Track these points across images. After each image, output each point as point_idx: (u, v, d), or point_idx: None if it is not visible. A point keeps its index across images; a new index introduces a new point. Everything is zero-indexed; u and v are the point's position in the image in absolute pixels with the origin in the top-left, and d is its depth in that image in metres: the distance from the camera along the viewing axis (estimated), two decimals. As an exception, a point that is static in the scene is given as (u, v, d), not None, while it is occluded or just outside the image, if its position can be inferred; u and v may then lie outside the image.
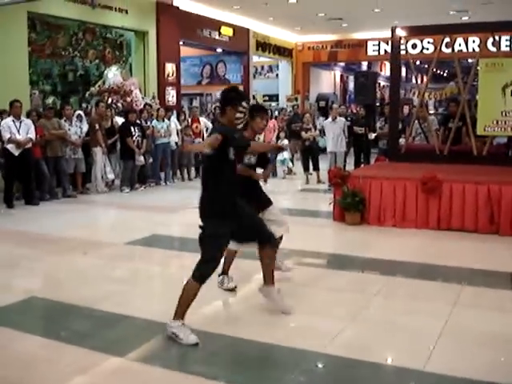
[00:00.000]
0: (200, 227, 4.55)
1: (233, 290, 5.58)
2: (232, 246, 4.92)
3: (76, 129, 11.51)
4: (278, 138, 14.98)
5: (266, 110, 5.73)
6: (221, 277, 5.61)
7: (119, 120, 12.64)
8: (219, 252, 4.56)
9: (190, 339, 4.26)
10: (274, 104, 23.18)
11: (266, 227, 4.84)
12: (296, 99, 23.00)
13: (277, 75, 24.66)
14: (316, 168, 13.42)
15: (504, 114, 9.34)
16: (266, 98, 23.99)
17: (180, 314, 4.40)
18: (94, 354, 4.13)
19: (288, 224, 5.88)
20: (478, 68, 9.72)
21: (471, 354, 4.11)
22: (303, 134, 13.48)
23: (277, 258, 5.58)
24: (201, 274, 4.45)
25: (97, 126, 11.77)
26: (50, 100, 14.51)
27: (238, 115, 4.45)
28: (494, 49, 12.44)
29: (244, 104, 4.48)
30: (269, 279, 4.93)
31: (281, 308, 4.91)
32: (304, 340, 4.33)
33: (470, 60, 19.92)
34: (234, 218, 4.50)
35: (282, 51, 23.38)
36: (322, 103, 23.68)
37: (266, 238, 4.79)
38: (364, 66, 27.69)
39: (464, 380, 3.71)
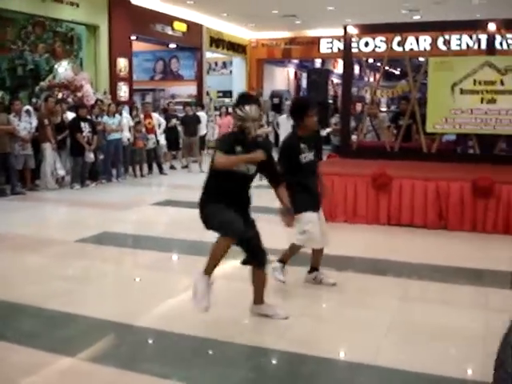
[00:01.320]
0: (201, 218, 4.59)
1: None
2: None
3: (25, 124, 11.26)
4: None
5: (311, 105, 5.52)
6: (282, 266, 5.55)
7: (70, 115, 12.43)
8: (228, 216, 4.38)
9: (203, 304, 4.26)
10: (227, 100, 23.12)
11: (264, 251, 4.76)
12: (250, 96, 23.00)
13: (230, 71, 24.62)
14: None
15: (453, 111, 9.52)
16: (220, 95, 23.92)
17: (209, 268, 4.36)
18: (44, 354, 4.06)
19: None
20: (428, 66, 9.90)
21: (420, 347, 4.18)
22: (256, 130, 13.51)
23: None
24: (226, 233, 4.35)
25: (46, 122, 11.56)
26: (-2, 94, 14.17)
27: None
28: (444, 48, 12.69)
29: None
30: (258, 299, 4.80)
31: (277, 317, 4.72)
32: (255, 336, 4.36)
33: (420, 58, 20.25)
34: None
35: (235, 47, 23.36)
36: (276, 100, 23.74)
37: (261, 261, 4.74)
38: (318, 63, 27.87)
39: (413, 373, 3.78)
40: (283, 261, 5.58)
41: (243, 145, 4.34)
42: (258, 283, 4.75)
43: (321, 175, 5.78)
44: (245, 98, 4.44)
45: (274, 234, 5.49)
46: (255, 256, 4.71)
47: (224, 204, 4.37)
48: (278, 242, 5.76)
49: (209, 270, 4.33)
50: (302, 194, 5.31)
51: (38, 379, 3.76)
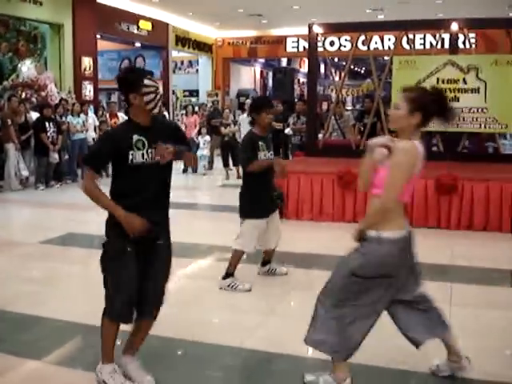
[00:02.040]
0: None
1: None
2: None
3: (-12, 123, 11.09)
4: (199, 133, 14.92)
5: (271, 103, 5.65)
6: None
7: (34, 115, 12.26)
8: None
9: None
10: (194, 99, 23.07)
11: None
12: (216, 95, 22.99)
13: (197, 70, 24.56)
14: (236, 163, 13.46)
15: (416, 110, 9.63)
16: (187, 94, 23.85)
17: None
18: (8, 357, 4.00)
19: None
20: (393, 65, 10.01)
21: (384, 342, 4.22)
22: (222, 129, 13.50)
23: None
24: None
25: (9, 122, 11.38)
26: (-40, 94, 13.91)
27: (146, 98, 3.44)
28: (408, 47, 12.83)
29: (145, 81, 3.45)
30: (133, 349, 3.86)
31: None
32: (223, 336, 4.35)
33: (385, 57, 20.46)
34: None
35: (201, 46, 23.30)
36: (243, 99, 23.76)
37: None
38: (284, 62, 27.96)
39: (378, 368, 3.82)
40: (231, 274, 5.58)
41: None
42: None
43: None
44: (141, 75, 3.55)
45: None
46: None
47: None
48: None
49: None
50: (254, 200, 5.47)
51: (2, 383, 3.70)
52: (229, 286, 5.49)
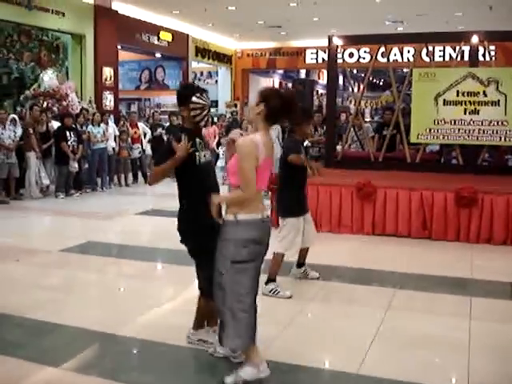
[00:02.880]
0: None
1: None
2: None
3: (10, 133, 11.20)
4: (219, 144, 14.97)
5: (310, 113, 6.05)
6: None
7: (55, 124, 12.38)
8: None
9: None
10: (213, 110, 23.18)
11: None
12: (235, 105, 23.09)
13: (216, 81, 24.69)
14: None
15: (436, 122, 9.62)
16: (206, 104, 23.94)
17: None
18: (27, 364, 4.03)
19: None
20: (412, 77, 9.99)
21: (404, 356, 4.20)
22: (241, 140, 13.52)
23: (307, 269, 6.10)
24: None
25: (31, 131, 11.51)
26: (-16, 102, 14.11)
27: (193, 113, 4.01)
28: (427, 59, 12.80)
29: (194, 99, 3.99)
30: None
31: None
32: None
33: (404, 69, 20.44)
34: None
35: (221, 57, 23.44)
36: (261, 110, 23.80)
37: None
38: (303, 73, 28.02)
39: (397, 382, 3.79)
40: (273, 279, 5.68)
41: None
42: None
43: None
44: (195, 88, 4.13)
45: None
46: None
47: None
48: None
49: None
50: (292, 199, 5.77)
51: (21, 389, 3.73)
52: (271, 291, 5.56)
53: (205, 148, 4.18)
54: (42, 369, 3.98)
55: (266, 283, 5.59)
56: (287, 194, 5.82)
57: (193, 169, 4.04)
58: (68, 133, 11.83)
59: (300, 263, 6.15)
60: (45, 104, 13.53)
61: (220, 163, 14.57)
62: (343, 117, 15.19)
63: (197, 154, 4.04)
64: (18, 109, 13.76)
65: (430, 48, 12.16)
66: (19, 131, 11.39)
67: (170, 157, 3.95)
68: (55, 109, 13.64)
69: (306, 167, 5.84)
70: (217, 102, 24.15)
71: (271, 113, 3.69)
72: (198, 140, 4.10)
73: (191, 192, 4.09)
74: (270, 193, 9.35)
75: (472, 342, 4.46)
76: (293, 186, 5.81)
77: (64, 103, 13.83)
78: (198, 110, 3.98)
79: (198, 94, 3.98)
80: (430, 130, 9.67)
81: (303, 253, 6.07)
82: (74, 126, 12.21)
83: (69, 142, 11.79)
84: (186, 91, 4.08)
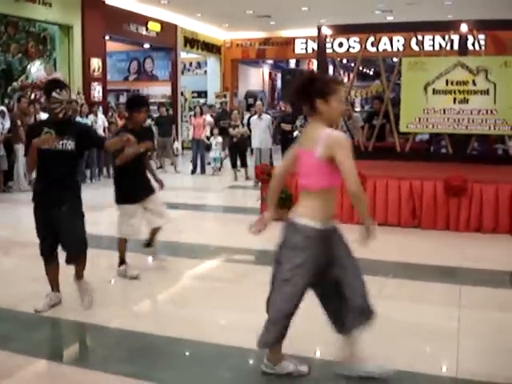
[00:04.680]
0: None
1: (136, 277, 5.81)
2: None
3: (-3, 124, 11.15)
4: (211, 134, 14.94)
5: (146, 103, 6.20)
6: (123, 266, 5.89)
7: (43, 116, 12.30)
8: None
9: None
10: (202, 100, 23.11)
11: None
12: (225, 96, 23.03)
13: (205, 72, 24.59)
14: (244, 165, 13.48)
15: (426, 111, 9.64)
16: (195, 95, 23.88)
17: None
18: (18, 356, 4.03)
19: (167, 217, 6.17)
20: (402, 67, 9.99)
21: (394, 345, 4.23)
22: (231, 130, 13.53)
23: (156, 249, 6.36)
24: None
25: (19, 122, 11.44)
26: (-29, 94, 14.00)
27: (52, 106, 4.63)
28: (417, 48, 12.81)
29: (54, 94, 4.60)
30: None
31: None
32: (232, 336, 4.36)
33: (394, 59, 20.42)
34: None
35: (210, 48, 23.33)
36: (251, 100, 23.77)
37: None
38: (292, 63, 27.96)
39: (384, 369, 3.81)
40: (122, 261, 5.98)
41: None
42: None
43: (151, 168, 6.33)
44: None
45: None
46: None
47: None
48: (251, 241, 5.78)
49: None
50: (122, 187, 5.88)
51: (13, 382, 3.72)
52: (121, 272, 5.94)
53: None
54: (33, 361, 3.98)
55: (119, 265, 5.94)
56: (119, 181, 5.93)
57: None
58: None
59: (147, 243, 6.38)
60: (32, 96, 13.44)
61: (213, 154, 14.57)
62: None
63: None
64: (6, 101, 13.66)
65: (420, 37, 12.16)
66: (7, 124, 11.31)
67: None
68: (43, 100, 13.55)
69: (140, 156, 5.82)
70: (206, 92, 24.07)
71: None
72: (46, 129, 4.60)
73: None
74: (260, 183, 9.38)
75: (461, 330, 4.49)
76: (125, 174, 5.83)
77: (52, 95, 13.73)
78: (56, 103, 4.58)
79: (58, 90, 4.59)
80: (419, 119, 9.69)
81: (152, 234, 6.29)
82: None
83: (58, 134, 11.72)
84: (49, 86, 4.72)
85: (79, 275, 5.05)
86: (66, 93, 4.65)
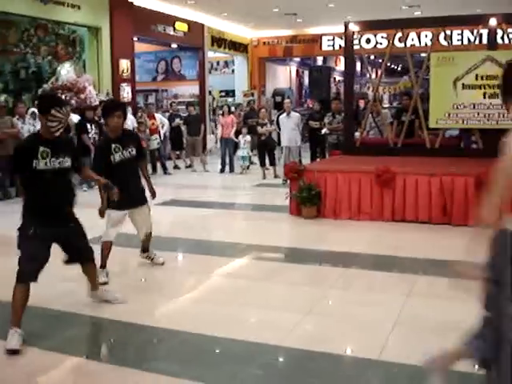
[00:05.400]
0: None
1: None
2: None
3: (29, 127, 11.30)
4: (238, 133, 14.98)
5: (116, 106, 5.91)
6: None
7: (74, 117, 12.46)
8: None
9: (10, 344, 4.09)
10: (230, 100, 23.17)
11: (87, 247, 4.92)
12: (252, 94, 23.04)
13: (233, 70, 24.62)
14: (272, 163, 13.49)
15: (455, 106, 9.54)
16: (223, 94, 23.96)
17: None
18: (50, 354, 4.09)
19: (150, 230, 6.25)
20: (430, 62, 9.90)
21: (425, 342, 4.20)
22: (259, 128, 13.54)
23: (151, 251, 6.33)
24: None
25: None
26: (1, 98, 14.19)
27: (50, 124, 4.27)
28: (445, 43, 12.68)
29: (53, 112, 4.25)
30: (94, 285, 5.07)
31: (113, 299, 5.11)
32: (261, 334, 4.37)
33: (422, 54, 20.23)
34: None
35: (237, 46, 23.36)
36: (278, 98, 23.75)
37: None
38: (319, 60, 27.86)
39: (418, 368, 3.79)
40: (103, 265, 5.84)
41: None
42: (90, 274, 4.99)
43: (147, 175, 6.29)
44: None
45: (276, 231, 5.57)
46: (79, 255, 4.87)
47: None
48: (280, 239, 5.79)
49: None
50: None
51: (46, 379, 3.79)
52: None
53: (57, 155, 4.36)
54: (66, 359, 4.04)
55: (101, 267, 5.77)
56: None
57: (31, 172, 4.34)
58: (89, 125, 11.91)
59: (143, 249, 6.39)
60: (63, 97, 13.59)
61: (241, 152, 14.61)
62: (361, 103, 15.12)
63: (34, 161, 4.26)
64: (37, 103, 13.85)
65: (448, 32, 12.02)
66: (38, 125, 11.47)
67: None
68: (73, 102, 13.71)
69: (129, 163, 5.80)
70: (234, 91, 24.11)
71: None
72: (42, 148, 4.28)
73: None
74: (288, 181, 9.39)
75: None
76: (113, 181, 5.46)
77: (82, 96, 13.89)
78: (55, 122, 4.24)
79: (57, 108, 4.24)
80: (449, 114, 9.60)
81: (144, 242, 6.29)
82: (96, 118, 12.29)
83: (90, 135, 11.88)
84: (46, 103, 4.38)
85: (95, 286, 5.07)
86: (65, 110, 4.35)
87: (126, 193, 5.63)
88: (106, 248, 5.90)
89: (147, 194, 6.21)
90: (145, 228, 6.16)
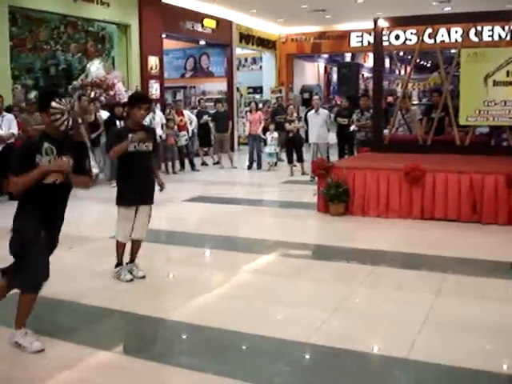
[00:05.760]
0: None
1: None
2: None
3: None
4: (266, 129, 14.97)
5: (145, 99, 5.81)
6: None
7: (103, 114, 12.58)
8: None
9: (35, 346, 4.03)
10: (258, 96, 23.17)
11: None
12: (280, 91, 23.01)
13: (260, 67, 24.61)
14: (300, 159, 13.47)
15: (486, 103, 9.42)
16: (251, 91, 23.98)
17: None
18: (81, 348, 4.13)
19: (145, 232, 5.89)
20: (460, 58, 9.79)
21: (454, 341, 4.16)
22: (287, 125, 13.52)
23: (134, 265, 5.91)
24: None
25: (80, 120, 11.71)
26: (32, 95, 14.40)
27: (53, 117, 4.08)
28: (476, 39, 12.52)
29: (54, 104, 4.06)
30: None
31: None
32: (289, 331, 4.37)
33: (452, 50, 20.00)
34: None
35: (265, 43, 23.34)
36: (306, 95, 23.68)
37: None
38: (348, 57, 27.71)
39: (446, 367, 3.76)
40: (119, 263, 5.82)
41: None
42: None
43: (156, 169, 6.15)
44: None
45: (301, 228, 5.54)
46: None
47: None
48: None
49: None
50: (121, 188, 5.73)
51: (75, 373, 3.83)
52: (115, 273, 5.76)
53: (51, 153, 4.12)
54: (95, 352, 4.07)
55: (116, 266, 5.78)
56: (120, 183, 5.81)
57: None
58: (118, 122, 12.01)
59: (130, 259, 5.93)
60: (92, 94, 13.73)
61: (268, 149, 14.61)
62: (390, 100, 15.02)
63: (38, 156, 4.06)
64: (37, 104, 13.97)
65: (479, 28, 11.88)
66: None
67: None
68: (102, 98, 13.84)
69: (143, 157, 5.65)
70: (261, 87, 24.10)
71: None
72: (46, 145, 4.10)
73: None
74: (316, 178, 9.37)
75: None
76: (124, 176, 5.70)
77: (111, 93, 14.01)
78: (57, 114, 4.05)
79: (57, 99, 4.06)
80: (479, 111, 9.49)
81: (134, 248, 5.90)
82: (123, 115, 12.39)
83: (118, 131, 11.97)
84: (45, 97, 4.18)
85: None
86: (66, 101, 4.12)
87: (135, 186, 5.62)
88: (120, 245, 5.80)
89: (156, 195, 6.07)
90: (139, 232, 5.81)
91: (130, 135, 5.45)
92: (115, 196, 5.76)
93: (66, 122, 4.11)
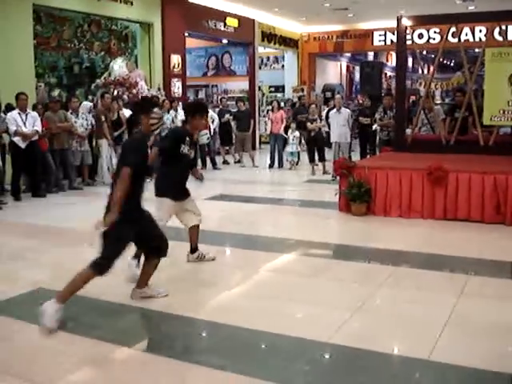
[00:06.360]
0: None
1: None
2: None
3: (82, 121, 11.54)
4: (287, 128, 14.94)
5: (207, 109, 6.35)
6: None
7: (126, 112, 12.64)
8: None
9: (52, 325, 4.23)
10: (279, 95, 23.14)
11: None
12: (302, 90, 22.96)
13: (283, 66, 24.57)
14: (322, 159, 13.42)
15: (510, 103, 9.31)
16: (272, 89, 23.95)
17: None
18: (102, 344, 4.17)
19: (201, 216, 6.30)
20: (485, 57, 9.69)
21: (476, 343, 4.12)
22: (309, 124, 13.48)
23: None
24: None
25: (103, 118, 11.79)
26: (55, 93, 14.54)
27: (152, 121, 4.60)
28: (500, 38, 12.38)
29: (156, 110, 4.73)
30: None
31: (158, 294, 5.13)
32: (310, 330, 4.36)
33: (476, 49, 19.80)
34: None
35: (287, 42, 23.29)
36: (329, 94, 23.60)
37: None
38: (370, 56, 27.56)
39: (469, 369, 3.72)
40: (195, 249, 6.32)
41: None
42: (150, 270, 5.08)
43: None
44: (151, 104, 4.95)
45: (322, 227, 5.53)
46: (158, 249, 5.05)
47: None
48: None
49: (64, 299, 4.43)
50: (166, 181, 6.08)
51: (95, 369, 3.86)
52: (197, 257, 6.30)
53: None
54: (116, 349, 4.11)
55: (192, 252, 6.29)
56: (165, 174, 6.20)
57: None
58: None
59: (192, 248, 6.37)
60: (115, 92, 13.82)
61: (290, 148, 14.58)
62: (413, 99, 14.90)
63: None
64: (90, 97, 14.13)
65: (503, 27, 11.74)
66: (91, 119, 11.73)
67: None
68: (125, 97, 13.91)
69: (187, 161, 6.07)
70: (283, 86, 24.07)
71: None
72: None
73: None
74: (338, 177, 9.33)
75: None
76: (169, 173, 6.10)
77: (134, 91, 14.09)
78: (156, 119, 4.65)
79: (157, 108, 4.69)
80: (503, 111, 9.38)
81: (193, 238, 6.32)
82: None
83: (141, 129, 12.04)
84: (149, 103, 4.98)
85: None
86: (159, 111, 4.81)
87: (181, 185, 6.06)
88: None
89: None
90: (197, 215, 6.27)
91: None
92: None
93: (158, 127, 4.76)
